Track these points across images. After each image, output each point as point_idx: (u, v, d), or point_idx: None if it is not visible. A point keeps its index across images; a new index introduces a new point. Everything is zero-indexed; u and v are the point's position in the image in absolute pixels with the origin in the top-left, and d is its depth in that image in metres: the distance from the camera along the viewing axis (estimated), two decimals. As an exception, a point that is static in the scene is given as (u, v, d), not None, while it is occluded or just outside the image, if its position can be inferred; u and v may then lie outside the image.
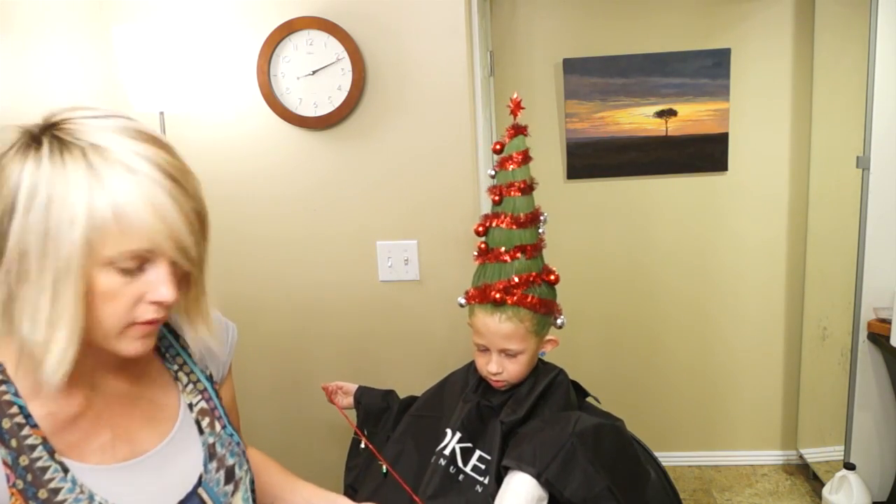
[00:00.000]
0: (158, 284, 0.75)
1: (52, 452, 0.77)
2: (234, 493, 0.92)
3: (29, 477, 0.74)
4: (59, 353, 0.72)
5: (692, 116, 2.70)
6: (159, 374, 0.92)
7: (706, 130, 2.71)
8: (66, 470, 0.77)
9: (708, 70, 2.65)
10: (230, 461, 0.92)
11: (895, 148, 2.16)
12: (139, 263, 0.74)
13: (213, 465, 0.90)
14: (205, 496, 0.88)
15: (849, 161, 2.27)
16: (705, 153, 2.73)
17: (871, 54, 2.12)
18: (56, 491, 0.76)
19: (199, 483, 0.88)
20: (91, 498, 0.78)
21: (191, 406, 0.92)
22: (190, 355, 0.96)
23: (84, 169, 0.70)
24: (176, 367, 0.93)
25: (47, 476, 0.75)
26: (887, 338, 2.13)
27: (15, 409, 0.75)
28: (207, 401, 0.94)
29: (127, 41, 1.67)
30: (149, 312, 0.77)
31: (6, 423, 0.73)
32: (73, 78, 1.80)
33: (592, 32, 2.71)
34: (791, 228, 2.75)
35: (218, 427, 0.93)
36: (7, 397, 0.75)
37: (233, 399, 1.05)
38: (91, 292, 0.73)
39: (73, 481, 0.77)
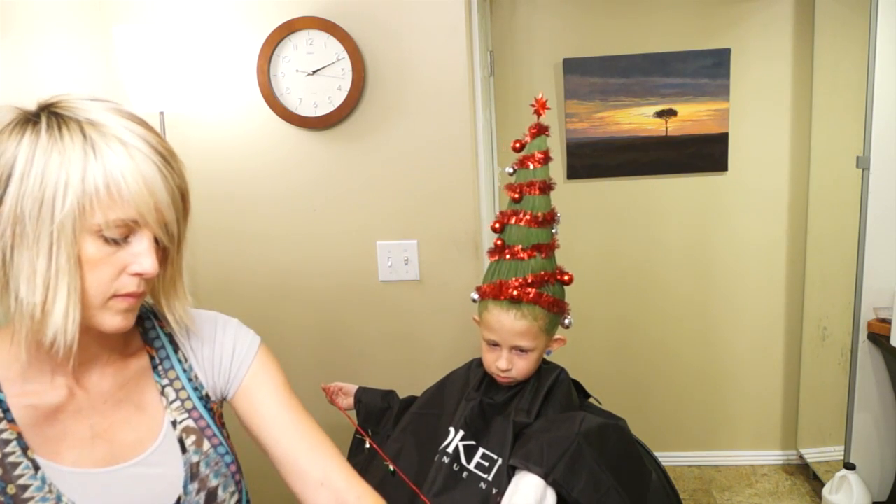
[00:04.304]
0: (141, 256, 0.77)
1: (25, 449, 0.79)
2: None
3: (0, 471, 0.77)
4: (61, 313, 0.74)
5: (692, 116, 2.70)
6: (147, 386, 0.90)
7: (706, 130, 2.71)
8: (36, 468, 0.79)
9: (708, 70, 2.65)
10: (214, 482, 0.90)
11: (895, 148, 2.16)
12: (124, 234, 0.76)
13: (195, 486, 0.88)
14: None
15: (849, 161, 2.27)
16: (705, 153, 2.73)
17: (871, 54, 2.12)
18: (24, 487, 0.78)
19: None
20: (59, 498, 0.79)
21: (174, 423, 0.90)
22: (185, 371, 0.93)
23: (80, 140, 0.74)
24: (166, 382, 0.91)
25: (17, 472, 0.78)
26: (887, 338, 2.13)
27: None
28: (196, 420, 0.91)
29: (127, 41, 1.67)
30: (130, 284, 0.78)
31: None
32: (73, 78, 1.80)
33: (592, 32, 2.71)
34: (791, 228, 2.75)
35: (206, 446, 0.91)
36: None
37: (282, 406, 0.98)
38: (79, 259, 0.75)
39: (43, 480, 0.79)
